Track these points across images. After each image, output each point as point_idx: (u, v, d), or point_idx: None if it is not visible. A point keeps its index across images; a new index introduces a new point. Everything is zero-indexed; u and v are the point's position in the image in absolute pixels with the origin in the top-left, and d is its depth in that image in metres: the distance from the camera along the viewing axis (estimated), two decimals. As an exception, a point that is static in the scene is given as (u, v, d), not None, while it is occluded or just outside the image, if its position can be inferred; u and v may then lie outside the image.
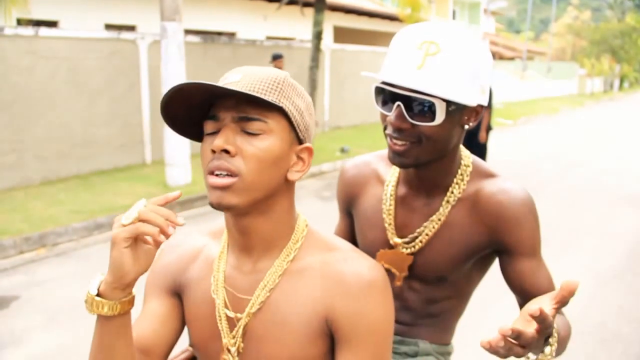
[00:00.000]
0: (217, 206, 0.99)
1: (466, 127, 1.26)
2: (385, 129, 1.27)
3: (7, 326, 3.99)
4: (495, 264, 1.42)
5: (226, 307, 1.07)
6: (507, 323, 0.93)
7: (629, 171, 10.33)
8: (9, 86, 7.74)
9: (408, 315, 1.46)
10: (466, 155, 1.36)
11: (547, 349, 1.04)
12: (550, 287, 1.29)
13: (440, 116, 1.18)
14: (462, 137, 1.30)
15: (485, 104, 1.24)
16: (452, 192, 1.33)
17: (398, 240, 1.38)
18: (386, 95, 1.23)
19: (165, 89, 7.54)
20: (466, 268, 1.38)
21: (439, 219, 1.33)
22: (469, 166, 1.34)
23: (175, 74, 7.49)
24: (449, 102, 1.17)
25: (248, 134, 0.99)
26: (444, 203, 1.33)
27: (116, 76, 9.04)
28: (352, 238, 1.55)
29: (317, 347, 1.03)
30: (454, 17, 31.61)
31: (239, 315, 1.06)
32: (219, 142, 0.97)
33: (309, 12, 12.67)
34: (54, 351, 3.66)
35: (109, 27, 11.59)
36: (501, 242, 1.31)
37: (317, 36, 10.76)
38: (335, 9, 17.64)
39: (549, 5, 53.67)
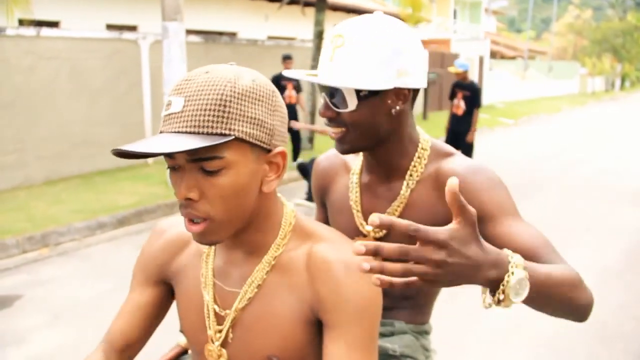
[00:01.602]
0: (201, 243, 0.99)
1: (394, 111, 1.27)
2: None
3: (10, 325, 4.01)
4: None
5: (215, 302, 1.08)
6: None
7: (630, 170, 10.34)
8: (11, 86, 7.77)
9: (384, 299, 1.48)
10: (425, 140, 1.38)
11: (513, 279, 0.85)
12: (541, 242, 1.17)
13: (352, 102, 1.24)
14: (401, 121, 1.32)
15: (412, 86, 1.26)
16: (411, 175, 1.36)
17: (369, 228, 1.41)
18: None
19: (166, 88, 7.57)
20: None
21: (402, 201, 1.37)
22: (426, 150, 1.37)
23: (177, 74, 7.50)
24: (358, 90, 1.23)
25: (208, 172, 0.92)
26: (404, 185, 1.37)
27: (118, 76, 9.06)
28: None
29: (305, 335, 1.04)
30: (455, 17, 31.60)
31: (227, 311, 1.06)
32: (181, 191, 0.92)
33: (310, 11, 12.68)
34: (57, 350, 3.67)
35: (110, 27, 11.61)
36: None
37: (319, 36, 10.78)
38: (337, 8, 17.66)
39: (550, 4, 53.64)
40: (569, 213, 7.13)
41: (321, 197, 1.58)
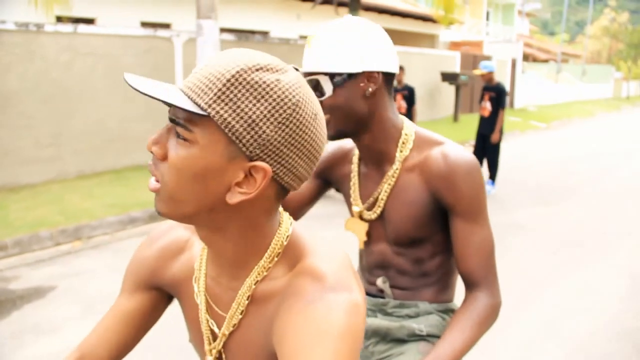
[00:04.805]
0: (156, 210, 0.91)
1: (367, 92, 1.43)
2: None
3: (44, 315, 4.08)
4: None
5: (208, 313, 1.02)
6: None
7: (666, 176, 10.13)
8: (49, 82, 7.91)
9: (404, 278, 1.57)
10: (408, 126, 1.52)
11: None
12: (478, 256, 1.41)
13: (328, 88, 1.42)
14: (377, 104, 1.46)
15: (380, 69, 1.41)
16: (397, 158, 1.50)
17: (357, 209, 1.58)
18: None
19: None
20: (434, 226, 1.51)
21: (390, 184, 1.50)
22: (410, 135, 1.50)
23: (210, 72, 7.57)
24: (332, 76, 1.41)
25: (178, 138, 0.86)
26: (391, 170, 1.50)
27: (152, 73, 9.17)
28: (311, 200, 1.75)
29: None
30: (487, 19, 31.32)
31: (216, 330, 1.01)
32: (150, 140, 0.89)
33: (343, 11, 12.69)
34: (90, 341, 3.73)
35: (144, 24, 11.76)
36: (443, 202, 1.45)
37: (351, 36, 10.75)
38: (369, 8, 17.64)
39: (585, 7, 52.88)
40: (604, 216, 7.02)
41: (322, 173, 1.72)
